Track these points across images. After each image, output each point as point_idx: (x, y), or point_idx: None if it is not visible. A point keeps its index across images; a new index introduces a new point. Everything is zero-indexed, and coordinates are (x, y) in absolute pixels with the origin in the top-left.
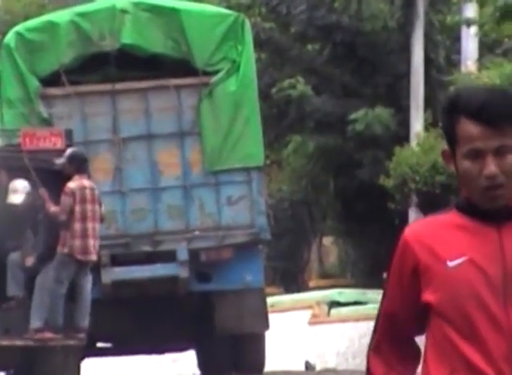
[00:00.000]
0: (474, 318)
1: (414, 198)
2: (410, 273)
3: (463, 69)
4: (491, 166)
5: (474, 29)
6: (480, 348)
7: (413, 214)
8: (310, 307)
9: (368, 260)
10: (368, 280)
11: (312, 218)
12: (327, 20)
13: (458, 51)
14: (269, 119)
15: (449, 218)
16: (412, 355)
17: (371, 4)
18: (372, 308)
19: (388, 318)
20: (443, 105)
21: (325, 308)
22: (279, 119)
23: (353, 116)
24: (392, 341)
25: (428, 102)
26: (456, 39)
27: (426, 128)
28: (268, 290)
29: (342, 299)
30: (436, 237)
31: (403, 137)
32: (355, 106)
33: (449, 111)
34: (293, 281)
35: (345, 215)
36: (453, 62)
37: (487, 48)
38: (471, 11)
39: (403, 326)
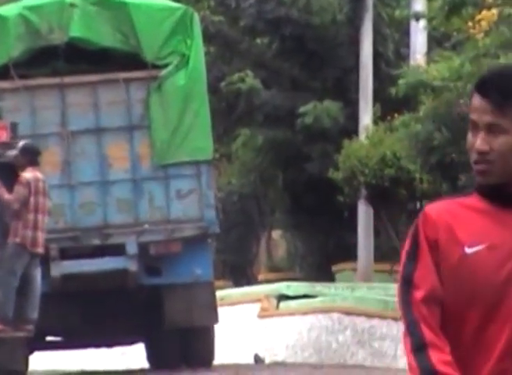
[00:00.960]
0: (484, 312)
1: (363, 191)
2: (435, 248)
3: (411, 62)
4: (480, 141)
5: (423, 22)
6: (482, 346)
7: (362, 207)
8: (259, 300)
9: (317, 253)
10: (317, 274)
11: (261, 211)
12: (276, 14)
13: (407, 45)
14: (218, 112)
15: (469, 201)
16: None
17: None
18: (321, 302)
19: (428, 292)
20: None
21: (274, 301)
22: (228, 112)
23: (301, 110)
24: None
25: (377, 96)
26: (405, 33)
27: (375, 121)
28: (218, 283)
29: (290, 292)
30: (457, 218)
31: (351, 130)
32: (304, 100)
33: (472, 88)
34: (242, 275)
35: (294, 208)
36: (402, 55)
37: (436, 41)
38: (419, 4)
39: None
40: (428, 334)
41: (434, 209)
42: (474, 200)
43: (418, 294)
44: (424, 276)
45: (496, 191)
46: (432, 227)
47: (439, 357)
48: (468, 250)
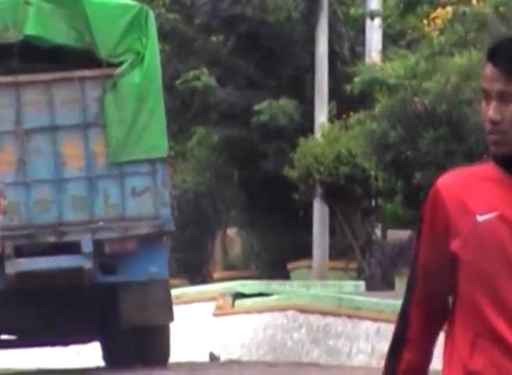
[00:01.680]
0: (499, 279)
1: (319, 189)
2: (441, 222)
3: (367, 60)
4: (492, 111)
5: (378, 20)
6: (504, 312)
7: (317, 205)
8: (214, 299)
9: (273, 251)
10: (272, 272)
11: (216, 209)
12: (231, 11)
13: (362, 43)
14: (173, 110)
15: (484, 169)
16: (443, 314)
17: None
18: (276, 300)
19: (424, 270)
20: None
21: (230, 299)
22: (183, 110)
23: (257, 107)
24: (430, 295)
25: (333, 94)
26: (361, 31)
27: (330, 119)
28: (173, 281)
29: (246, 291)
30: (468, 188)
31: (307, 128)
32: (260, 97)
33: (485, 56)
34: (197, 273)
35: (249, 206)
36: (358, 53)
37: (391, 39)
38: (375, 2)
39: (438, 280)
40: (410, 328)
41: (443, 182)
42: (488, 169)
43: (417, 274)
44: (424, 256)
45: (510, 159)
46: (441, 203)
47: (408, 359)
48: (480, 218)
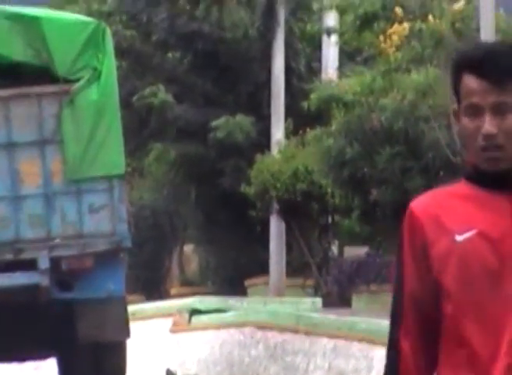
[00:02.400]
0: (483, 299)
1: (275, 206)
2: (420, 247)
3: (323, 77)
4: (488, 125)
5: (334, 37)
6: (488, 336)
7: (274, 221)
8: (171, 315)
9: (229, 268)
10: (229, 288)
11: (173, 226)
12: (188, 28)
13: (319, 60)
14: (131, 127)
15: (457, 188)
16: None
17: (232, 12)
18: (233, 316)
19: (411, 298)
20: (451, 63)
21: (186, 316)
22: (140, 127)
23: (214, 124)
24: (420, 323)
25: (289, 110)
26: (317, 47)
27: (287, 136)
28: (130, 298)
29: (203, 307)
30: (443, 208)
31: (264, 145)
32: (217, 114)
33: (454, 68)
34: (154, 289)
35: (206, 223)
36: (314, 70)
37: (347, 56)
38: (331, 19)
39: (427, 306)
40: (403, 360)
41: (419, 203)
42: (461, 187)
43: (404, 302)
44: (408, 283)
45: (484, 175)
46: (419, 223)
47: None
48: (459, 238)
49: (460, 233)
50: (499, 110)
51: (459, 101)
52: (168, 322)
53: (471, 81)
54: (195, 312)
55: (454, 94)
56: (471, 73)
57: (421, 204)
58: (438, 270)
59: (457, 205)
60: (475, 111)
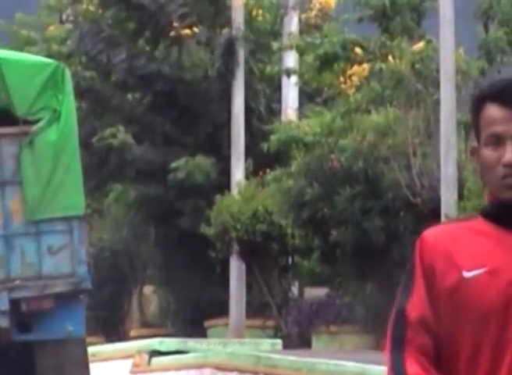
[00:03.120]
0: (482, 341)
1: (235, 247)
2: (431, 273)
3: (283, 118)
4: (510, 153)
5: (294, 78)
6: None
7: (234, 262)
8: (131, 356)
9: (189, 309)
10: (189, 329)
11: (133, 267)
12: (147, 69)
13: (279, 100)
14: (90, 167)
15: (472, 224)
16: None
17: (191, 53)
18: (193, 357)
19: (421, 325)
20: (472, 98)
21: (146, 357)
22: (99, 167)
23: (173, 165)
24: (425, 348)
25: (249, 151)
26: (277, 88)
27: (247, 177)
28: (90, 339)
29: (163, 348)
30: (456, 241)
31: (224, 185)
32: (176, 155)
33: (476, 100)
34: (114, 330)
35: (166, 263)
36: (274, 110)
37: (307, 96)
38: (291, 60)
39: (433, 331)
40: (412, 372)
41: (432, 233)
42: (477, 223)
43: (410, 327)
44: (418, 307)
45: (505, 212)
46: (429, 252)
47: None
48: (467, 274)
49: (469, 270)
50: None
51: (478, 138)
52: (128, 363)
53: (493, 110)
54: (155, 353)
55: (475, 131)
56: (493, 101)
57: (433, 234)
58: (443, 303)
59: (471, 241)
60: (497, 140)
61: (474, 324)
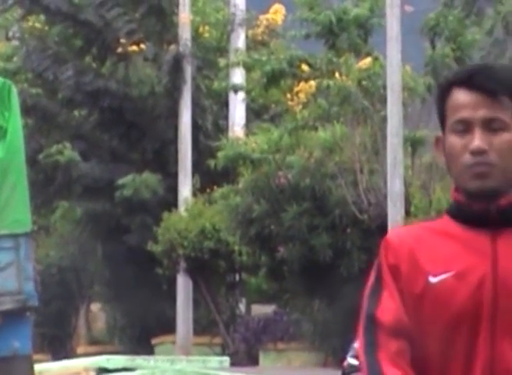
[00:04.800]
0: (451, 349)
1: (183, 264)
2: (398, 276)
3: (230, 134)
4: (478, 140)
5: (241, 94)
6: None
7: (181, 279)
8: (78, 374)
9: (137, 326)
10: (137, 346)
11: (80, 284)
12: (94, 86)
13: (226, 117)
14: (37, 184)
15: (438, 224)
16: None
17: (138, 69)
18: (140, 374)
19: (392, 325)
20: (438, 85)
21: (94, 374)
22: (46, 184)
23: (120, 182)
24: (400, 353)
25: (196, 168)
26: (224, 104)
27: (194, 194)
28: (36, 357)
29: (110, 365)
30: (421, 245)
31: (171, 202)
32: (123, 172)
33: (442, 86)
34: (61, 348)
35: (113, 280)
36: (221, 127)
37: (254, 113)
38: (238, 76)
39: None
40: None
41: (396, 235)
42: (443, 223)
43: (382, 331)
44: (389, 310)
45: (465, 210)
46: (394, 254)
47: None
48: (433, 279)
49: (435, 275)
50: (490, 126)
51: (444, 127)
52: None
53: (460, 95)
54: (102, 370)
55: (440, 119)
56: (460, 86)
57: (397, 236)
58: (409, 308)
59: (436, 243)
60: (464, 127)
61: (444, 332)
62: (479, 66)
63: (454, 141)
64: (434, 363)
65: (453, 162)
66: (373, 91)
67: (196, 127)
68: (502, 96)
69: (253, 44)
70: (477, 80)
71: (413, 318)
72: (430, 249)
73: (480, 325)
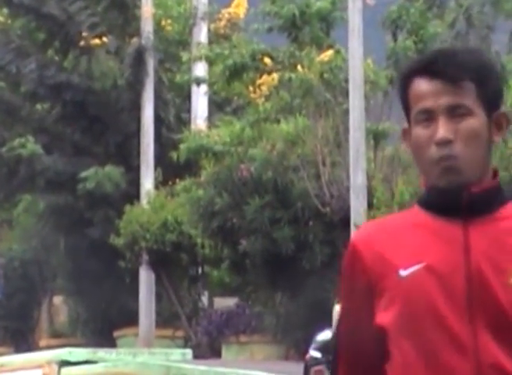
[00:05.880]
0: (433, 339)
1: (145, 256)
2: (363, 286)
3: (193, 127)
4: (442, 129)
5: (204, 87)
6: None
7: (144, 272)
8: (40, 366)
9: (99, 319)
10: (99, 339)
11: (43, 277)
12: (57, 79)
13: (188, 110)
14: None
15: (408, 216)
16: None
17: (100, 63)
18: (103, 367)
19: (348, 341)
20: (399, 75)
21: (56, 367)
22: (9, 178)
23: (83, 175)
24: (357, 370)
25: (159, 161)
26: (186, 97)
27: (156, 186)
28: None
29: (72, 358)
30: (389, 239)
31: (133, 195)
32: (86, 165)
33: (403, 76)
34: (23, 341)
35: (76, 274)
36: (184, 120)
37: (217, 106)
38: (200, 69)
39: (366, 352)
40: None
41: (361, 236)
42: (413, 214)
43: (343, 365)
44: (348, 320)
45: (441, 199)
46: (360, 261)
47: None
48: (403, 272)
49: (405, 268)
50: (454, 114)
51: (409, 118)
52: (37, 373)
53: (422, 84)
54: (65, 363)
55: (405, 111)
56: (422, 75)
57: (364, 237)
58: (382, 310)
59: (405, 236)
60: (428, 116)
61: (418, 327)
62: (438, 51)
63: (419, 132)
64: (415, 367)
65: (419, 154)
66: (335, 84)
67: (158, 120)
68: (464, 81)
69: (215, 37)
70: (437, 66)
71: (389, 318)
72: (399, 242)
73: (450, 319)
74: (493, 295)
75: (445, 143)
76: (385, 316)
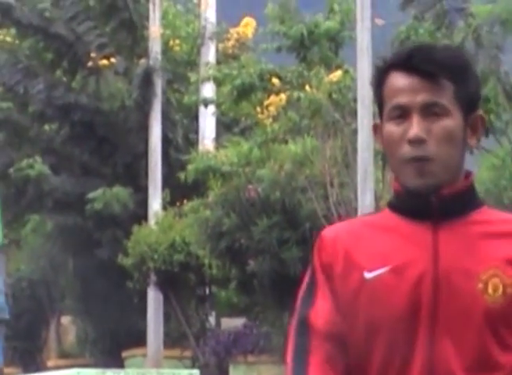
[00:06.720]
0: (389, 342)
1: (153, 277)
2: (331, 275)
3: (200, 148)
4: (416, 127)
5: (211, 108)
6: None
7: (152, 293)
8: None
9: (107, 339)
10: (107, 359)
11: (51, 297)
12: (65, 100)
13: (196, 130)
14: (7, 198)
15: (377, 218)
16: None
17: (109, 83)
18: None
19: (327, 329)
20: (375, 69)
21: None
22: (17, 198)
23: (91, 195)
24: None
25: (166, 181)
26: (194, 118)
27: (164, 207)
28: (7, 370)
29: None
30: (357, 240)
31: (141, 216)
32: (94, 185)
33: (378, 70)
34: (31, 361)
35: (84, 294)
36: (191, 141)
37: (224, 126)
38: (208, 90)
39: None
40: None
41: (331, 231)
42: (382, 217)
43: (315, 335)
44: (323, 313)
45: (405, 202)
46: (327, 252)
47: None
48: (368, 275)
49: (370, 270)
50: (429, 112)
51: (382, 113)
52: None
53: (398, 79)
54: None
55: (378, 106)
56: (398, 70)
57: (332, 233)
58: (346, 307)
59: (373, 237)
60: (402, 113)
61: (382, 332)
62: (417, 46)
63: (392, 128)
64: (374, 369)
65: (391, 152)
66: (344, 104)
67: (166, 141)
68: (441, 79)
69: (223, 57)
70: (415, 62)
71: (349, 319)
72: (367, 244)
73: (419, 323)
74: (460, 301)
75: (418, 142)
76: (348, 315)
